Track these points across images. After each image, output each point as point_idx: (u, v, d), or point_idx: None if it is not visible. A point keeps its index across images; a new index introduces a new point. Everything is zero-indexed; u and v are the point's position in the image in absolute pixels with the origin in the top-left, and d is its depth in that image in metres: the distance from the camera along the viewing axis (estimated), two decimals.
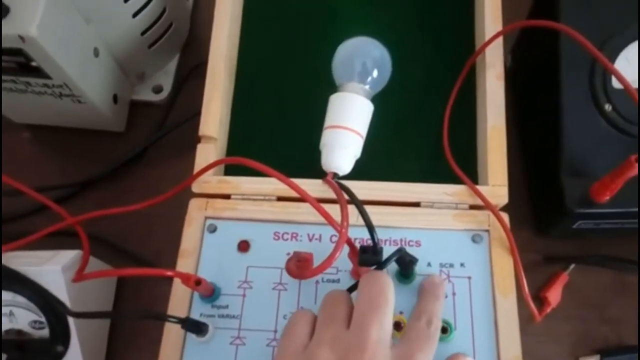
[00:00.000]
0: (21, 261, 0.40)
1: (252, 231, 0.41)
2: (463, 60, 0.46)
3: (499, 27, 0.44)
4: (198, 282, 0.36)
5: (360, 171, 0.42)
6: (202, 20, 0.59)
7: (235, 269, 0.39)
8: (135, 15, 0.49)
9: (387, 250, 0.34)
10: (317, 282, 0.39)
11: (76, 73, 0.45)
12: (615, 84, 0.41)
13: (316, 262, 0.36)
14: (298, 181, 0.35)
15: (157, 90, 0.56)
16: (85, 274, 0.40)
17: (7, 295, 0.40)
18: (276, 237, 0.40)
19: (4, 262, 0.40)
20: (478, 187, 0.41)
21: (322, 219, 0.34)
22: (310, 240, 0.40)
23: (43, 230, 0.43)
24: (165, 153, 0.54)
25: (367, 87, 0.42)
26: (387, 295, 0.31)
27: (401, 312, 0.37)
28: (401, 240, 0.40)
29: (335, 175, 0.41)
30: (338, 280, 0.39)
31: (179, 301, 0.39)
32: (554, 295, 0.46)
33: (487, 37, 0.44)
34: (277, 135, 0.46)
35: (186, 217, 0.41)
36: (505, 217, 0.40)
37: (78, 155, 0.54)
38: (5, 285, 0.40)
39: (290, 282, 0.39)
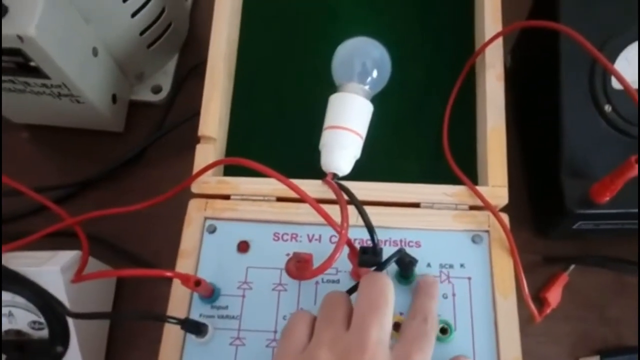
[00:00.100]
0: (20, 262, 0.40)
1: (251, 232, 0.41)
2: (463, 60, 0.46)
3: (498, 27, 0.44)
4: (197, 282, 0.36)
5: (360, 172, 0.42)
6: (201, 20, 0.59)
7: (234, 270, 0.39)
8: (134, 15, 0.49)
9: (387, 251, 0.34)
10: (317, 282, 0.39)
11: (75, 73, 0.45)
12: (615, 84, 0.41)
13: (316, 263, 0.36)
14: (297, 182, 0.35)
15: (156, 90, 0.56)
16: (84, 275, 0.39)
17: (6, 296, 0.40)
18: (276, 238, 0.40)
19: (3, 262, 0.39)
20: (478, 187, 0.40)
21: (321, 220, 0.34)
22: (310, 240, 0.40)
23: (42, 230, 0.42)
24: (165, 153, 0.54)
25: (366, 87, 0.42)
26: (387, 296, 0.31)
27: (401, 313, 0.37)
28: (401, 241, 0.40)
29: (334, 175, 0.41)
30: (338, 281, 0.39)
31: (179, 302, 0.38)
32: (554, 295, 0.46)
33: (487, 37, 0.44)
34: (277, 136, 0.46)
35: (185, 217, 0.41)
36: (505, 217, 0.40)
37: (77, 156, 0.54)
38: (4, 286, 0.39)
39: (290, 282, 0.39)
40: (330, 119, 0.42)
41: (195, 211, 0.41)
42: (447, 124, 0.44)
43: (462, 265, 0.39)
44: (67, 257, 0.41)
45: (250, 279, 0.39)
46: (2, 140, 0.55)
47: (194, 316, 0.38)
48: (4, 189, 0.48)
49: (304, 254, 0.37)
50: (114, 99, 0.52)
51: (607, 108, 0.41)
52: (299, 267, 0.36)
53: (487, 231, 0.40)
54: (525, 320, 0.38)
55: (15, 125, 0.55)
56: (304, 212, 0.40)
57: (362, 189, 0.40)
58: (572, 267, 0.47)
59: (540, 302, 0.46)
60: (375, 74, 0.42)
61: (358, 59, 0.43)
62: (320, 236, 0.40)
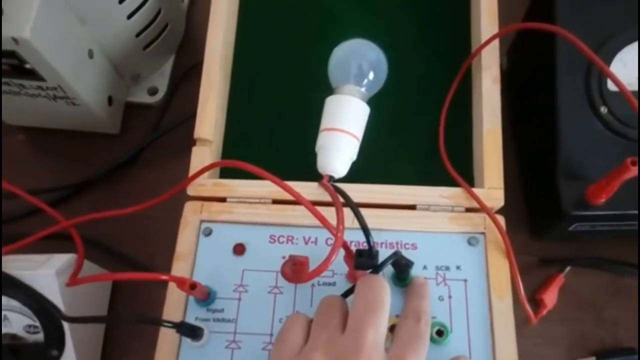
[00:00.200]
0: (15, 265, 0.40)
1: (247, 234, 0.40)
2: (459, 62, 0.46)
3: (495, 29, 0.44)
4: (193, 286, 0.36)
5: (357, 174, 0.42)
6: (198, 22, 0.59)
7: (230, 273, 0.39)
8: (130, 16, 0.48)
9: (383, 253, 0.34)
10: (313, 285, 0.39)
11: (70, 75, 0.44)
12: (611, 86, 0.41)
13: (312, 266, 0.36)
14: (293, 184, 0.35)
15: (153, 92, 0.56)
16: (80, 279, 0.39)
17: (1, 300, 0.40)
18: (272, 240, 0.40)
19: None
20: (474, 189, 0.41)
21: (318, 222, 0.34)
22: (306, 243, 0.40)
23: (37, 233, 0.42)
24: (161, 155, 0.53)
25: (363, 89, 0.42)
26: (382, 299, 0.31)
27: (397, 316, 0.37)
28: (397, 243, 0.40)
29: (331, 178, 0.41)
30: (334, 284, 0.39)
31: (174, 305, 0.38)
32: (550, 297, 0.46)
33: (483, 39, 0.44)
34: (273, 138, 0.46)
35: (181, 220, 0.41)
36: (501, 219, 0.40)
37: (72, 158, 0.54)
38: None
39: (286, 285, 0.39)
40: (326, 121, 0.42)
41: (191, 214, 0.41)
42: (443, 126, 0.44)
43: (458, 267, 0.39)
44: (62, 260, 0.41)
45: (246, 281, 0.39)
46: None
47: (190, 319, 0.38)
48: None
49: (300, 257, 0.37)
50: (110, 100, 0.52)
51: (603, 110, 0.41)
52: (295, 270, 0.36)
53: (483, 233, 0.40)
54: (521, 321, 0.38)
55: (10, 127, 0.55)
56: (300, 214, 0.40)
57: (359, 191, 0.40)
58: (568, 268, 0.47)
59: (536, 303, 0.46)
60: (371, 76, 0.42)
61: (354, 61, 0.43)
62: (316, 239, 0.40)
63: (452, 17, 0.48)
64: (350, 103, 0.41)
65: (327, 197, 0.39)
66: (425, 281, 0.37)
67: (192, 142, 0.43)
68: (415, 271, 0.37)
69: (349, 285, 0.36)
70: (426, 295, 0.35)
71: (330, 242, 0.40)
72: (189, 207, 0.41)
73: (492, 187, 0.41)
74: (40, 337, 0.40)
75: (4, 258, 0.41)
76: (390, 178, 0.41)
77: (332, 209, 0.36)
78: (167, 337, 0.37)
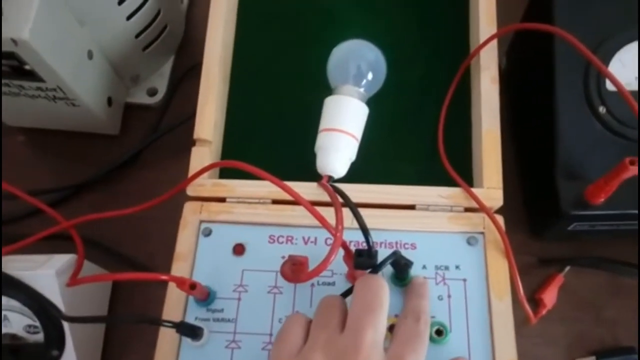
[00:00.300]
0: (15, 265, 0.40)
1: (247, 234, 0.40)
2: (458, 62, 0.46)
3: (493, 29, 0.44)
4: (193, 286, 0.36)
5: (356, 174, 0.42)
6: (197, 22, 0.59)
7: (230, 273, 0.39)
8: (129, 17, 0.48)
9: (383, 253, 0.34)
10: (312, 285, 0.39)
11: (70, 76, 0.44)
12: (610, 86, 0.41)
13: (311, 265, 0.36)
14: (292, 184, 0.35)
15: (152, 92, 0.56)
16: (80, 279, 0.39)
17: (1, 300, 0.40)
18: (271, 240, 0.40)
19: None
20: (473, 189, 0.41)
21: (317, 222, 0.34)
22: (306, 243, 0.40)
23: (37, 234, 0.42)
24: (160, 156, 0.53)
25: (362, 89, 0.42)
26: (381, 298, 0.31)
27: (396, 315, 0.37)
28: (396, 243, 0.40)
29: (330, 178, 0.41)
30: (333, 283, 0.39)
31: (174, 305, 0.38)
32: (550, 297, 0.46)
33: (482, 39, 0.44)
34: (272, 138, 0.46)
35: (181, 220, 0.41)
36: (500, 219, 0.40)
37: (72, 158, 0.54)
38: None
39: (286, 285, 0.39)
40: (325, 121, 0.42)
41: (190, 214, 0.41)
42: (442, 126, 0.44)
43: (457, 267, 0.39)
44: (62, 260, 0.41)
45: (245, 281, 0.39)
46: None
47: (190, 319, 0.38)
48: None
49: (299, 257, 0.37)
50: (110, 101, 0.52)
51: (602, 110, 0.41)
52: (295, 269, 0.36)
53: (482, 233, 0.40)
54: (520, 321, 0.38)
55: (10, 128, 0.55)
56: (299, 214, 0.40)
57: (358, 191, 0.40)
58: (568, 268, 0.47)
59: (536, 303, 0.46)
60: (370, 76, 0.43)
61: (353, 62, 0.43)
62: (315, 239, 0.40)
63: (451, 17, 0.48)
64: (349, 103, 0.42)
65: (326, 197, 0.39)
66: (425, 281, 0.37)
67: (192, 142, 0.43)
68: (414, 271, 0.37)
69: (348, 285, 0.36)
70: (425, 294, 0.35)
71: (329, 242, 0.40)
72: (189, 208, 0.42)
73: (491, 187, 0.41)
74: (40, 337, 0.40)
75: (4, 258, 0.41)
76: (390, 178, 0.42)
77: (332, 209, 0.36)
78: (167, 337, 0.37)
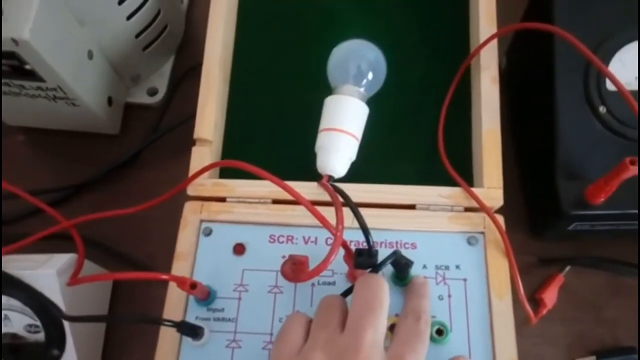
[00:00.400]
0: (16, 265, 0.40)
1: (247, 234, 0.41)
2: (458, 62, 0.46)
3: (493, 29, 0.44)
4: (193, 285, 0.36)
5: (356, 173, 0.42)
6: (197, 22, 0.59)
7: (230, 272, 0.39)
8: (129, 17, 0.49)
9: (383, 253, 0.34)
10: (312, 284, 0.39)
11: (70, 76, 0.44)
12: (610, 86, 0.41)
13: (312, 265, 0.36)
14: (293, 184, 0.35)
15: (152, 92, 0.56)
16: (80, 278, 0.39)
17: (2, 299, 0.40)
18: (272, 240, 0.40)
19: None
20: (473, 189, 0.41)
21: (317, 222, 0.34)
22: (306, 242, 0.40)
23: (37, 233, 0.42)
24: (160, 156, 0.53)
25: (362, 89, 0.42)
26: (381, 298, 0.31)
27: (397, 315, 0.37)
28: (397, 242, 0.40)
29: (330, 177, 0.41)
30: (334, 283, 0.39)
31: (175, 304, 0.38)
32: (550, 296, 0.46)
33: (482, 39, 0.44)
34: (273, 138, 0.46)
35: (181, 220, 0.41)
36: (500, 219, 0.40)
37: (72, 158, 0.54)
38: None
39: (286, 285, 0.39)
40: (325, 121, 0.42)
41: (190, 214, 0.41)
42: (443, 126, 0.44)
43: (457, 267, 0.39)
44: (63, 260, 0.41)
45: (246, 281, 0.39)
46: None
47: (190, 319, 0.38)
48: None
49: (300, 257, 0.37)
50: (110, 101, 0.52)
51: (602, 109, 0.41)
52: (295, 269, 0.36)
53: (483, 233, 0.40)
54: (521, 321, 0.38)
55: (10, 128, 0.55)
56: (299, 214, 0.40)
57: (358, 191, 0.40)
58: (568, 268, 0.47)
59: (536, 303, 0.46)
60: (370, 76, 0.43)
61: (353, 62, 0.43)
62: (316, 238, 0.40)
63: (451, 17, 0.48)
64: (349, 103, 0.42)
65: (326, 197, 0.39)
66: (425, 280, 0.37)
67: (192, 142, 0.43)
68: (414, 270, 0.37)
69: (348, 285, 0.36)
70: (426, 294, 0.35)
71: (330, 241, 0.40)
72: (189, 207, 0.42)
73: (491, 187, 0.41)
74: (41, 336, 0.40)
75: (4, 258, 0.41)
76: (390, 178, 0.42)
77: (332, 209, 0.36)
78: (167, 337, 0.37)
